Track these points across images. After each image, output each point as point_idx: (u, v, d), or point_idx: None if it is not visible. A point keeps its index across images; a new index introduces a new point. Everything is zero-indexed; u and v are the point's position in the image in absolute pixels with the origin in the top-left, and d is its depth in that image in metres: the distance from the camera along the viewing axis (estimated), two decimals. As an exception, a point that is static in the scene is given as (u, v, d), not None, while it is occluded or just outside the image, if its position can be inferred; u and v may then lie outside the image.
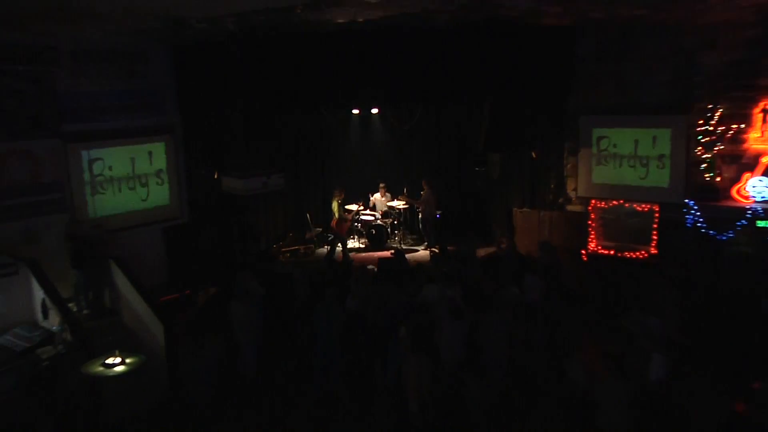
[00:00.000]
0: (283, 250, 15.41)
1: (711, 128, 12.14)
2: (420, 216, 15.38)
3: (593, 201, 13.47)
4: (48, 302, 9.90)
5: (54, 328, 9.70)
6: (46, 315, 10.01)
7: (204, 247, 13.93)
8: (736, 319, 10.27)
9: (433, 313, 9.70)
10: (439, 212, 15.49)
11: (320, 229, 15.97)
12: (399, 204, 15.69)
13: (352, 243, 15.91)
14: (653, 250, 12.73)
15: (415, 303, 9.96)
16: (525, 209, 14.48)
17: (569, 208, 14.18)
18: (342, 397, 9.75)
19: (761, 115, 11.69)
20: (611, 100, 13.31)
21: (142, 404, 9.41)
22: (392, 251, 14.10)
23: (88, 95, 12.04)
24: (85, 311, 10.96)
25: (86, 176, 12.12)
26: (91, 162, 12.18)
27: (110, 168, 12.61)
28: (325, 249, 15.37)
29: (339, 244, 14.98)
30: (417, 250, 15.39)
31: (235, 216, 14.66)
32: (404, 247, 15.35)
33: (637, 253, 12.86)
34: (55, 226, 11.52)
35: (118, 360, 8.57)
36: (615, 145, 13.36)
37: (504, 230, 14.67)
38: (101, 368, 8.47)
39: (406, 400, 9.03)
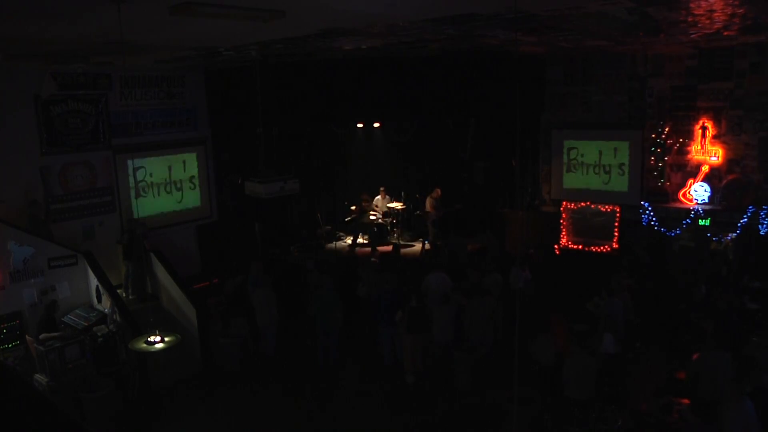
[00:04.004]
0: (298, 244, 15.39)
1: (661, 141, 12.36)
2: (432, 218, 15.25)
3: (564, 203, 13.56)
4: (101, 288, 10.17)
5: (106, 310, 10.00)
6: (99, 299, 10.28)
7: (231, 243, 13.99)
8: (678, 302, 10.50)
9: (429, 297, 9.88)
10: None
11: (329, 227, 15.99)
12: (397, 205, 15.76)
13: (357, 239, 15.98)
14: (615, 245, 12.86)
15: (404, 289, 10.05)
16: (506, 210, 14.53)
17: (544, 209, 14.21)
18: (344, 371, 9.96)
19: (701, 131, 11.92)
20: (578, 116, 13.44)
21: (180, 373, 9.74)
22: (392, 246, 14.25)
23: (134, 113, 12.31)
24: (131, 296, 11.16)
25: (131, 182, 12.34)
26: (135, 170, 12.40)
27: (151, 174, 12.79)
28: (335, 244, 15.52)
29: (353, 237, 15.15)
30: (413, 245, 15.39)
31: (257, 216, 14.78)
32: (402, 242, 15.36)
33: (602, 248, 13.01)
34: (107, 224, 11.80)
35: (158, 338, 8.77)
36: (582, 155, 13.42)
37: (487, 228, 14.76)
38: (144, 345, 8.64)
39: (402, 373, 9.39)
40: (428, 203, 15.02)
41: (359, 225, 15.56)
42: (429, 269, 10.75)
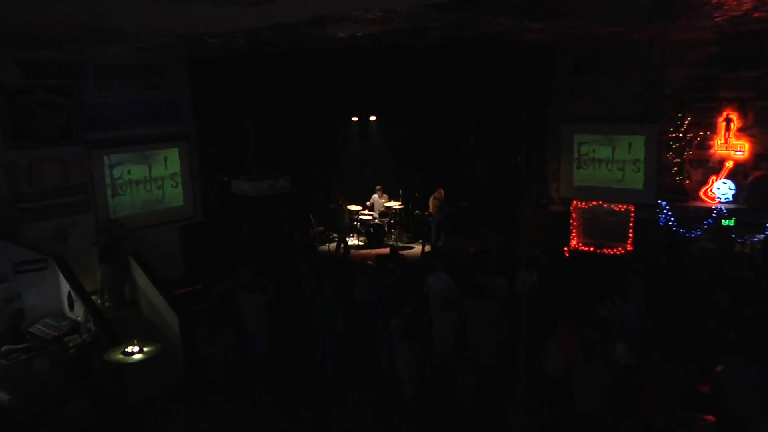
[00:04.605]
0: (290, 246, 15.35)
1: (680, 135, 12.28)
2: (438, 218, 15.24)
3: (574, 201, 13.53)
4: (73, 295, 10.06)
5: (79, 318, 9.89)
6: (72, 307, 10.16)
7: (217, 245, 13.94)
8: (698, 309, 10.42)
9: (430, 301, 9.80)
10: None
11: (322, 228, 16.02)
12: (395, 205, 15.73)
13: (351, 241, 15.97)
14: (629, 247, 12.80)
15: (396, 292, 10.03)
16: (512, 209, 14.30)
17: (552, 208, 14.21)
18: (341, 381, 9.87)
19: (724, 123, 11.83)
20: (589, 109, 13.40)
21: (162, 386, 9.61)
22: (389, 248, 14.19)
23: (110, 106, 12.17)
24: (107, 303, 11.05)
25: (107, 179, 12.20)
26: (112, 166, 12.25)
27: (129, 171, 12.67)
28: (328, 246, 15.46)
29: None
30: (412, 247, 15.44)
31: (244, 216, 14.70)
32: (399, 244, 15.40)
33: (614, 250, 12.94)
34: (81, 225, 11.66)
35: (137, 348, 8.78)
36: (594, 151, 13.41)
37: (490, 228, 14.74)
38: (122, 356, 8.71)
39: (400, 384, 9.23)
40: (431, 204, 15.02)
41: (339, 228, 15.53)
42: (428, 271, 10.71)
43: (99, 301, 10.92)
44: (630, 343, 8.73)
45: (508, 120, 13.89)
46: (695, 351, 9.45)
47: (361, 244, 15.80)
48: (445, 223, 15.00)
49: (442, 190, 14.95)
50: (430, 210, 15.03)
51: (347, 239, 15.74)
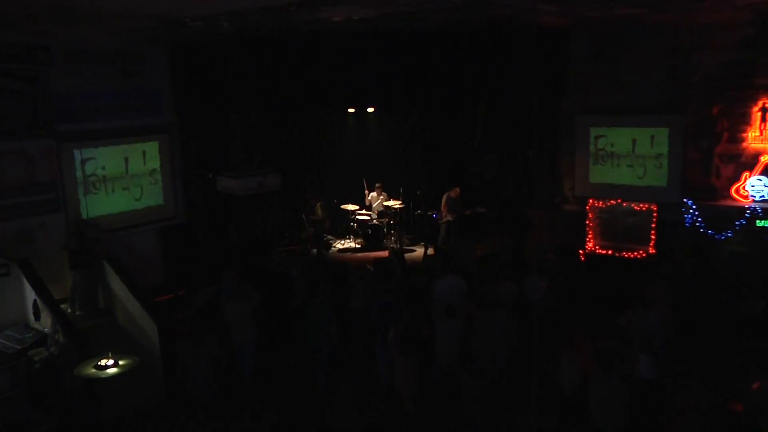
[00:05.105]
0: (279, 250, 15.43)
1: (708, 127, 12.19)
2: (449, 219, 15.21)
3: (590, 200, 13.49)
4: (40, 303, 9.97)
5: (46, 329, 9.79)
6: (38, 316, 10.08)
7: (200, 248, 13.96)
8: (729, 319, 10.37)
9: (434, 309, 9.75)
10: (435, 213, 15.49)
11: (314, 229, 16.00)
12: (395, 204, 15.71)
13: (348, 243, 16.01)
14: (651, 250, 12.75)
15: (397, 300, 9.99)
16: (522, 209, 14.48)
17: (566, 207, 14.18)
18: (337, 393, 9.82)
19: (760, 113, 11.73)
20: (607, 99, 13.35)
21: (140, 403, 9.51)
22: (388, 251, 14.16)
23: (82, 95, 12.07)
24: (79, 312, 10.98)
25: (79, 176, 12.12)
26: (83, 161, 12.18)
27: (103, 167, 12.59)
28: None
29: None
30: (414, 250, 15.41)
31: (231, 216, 14.68)
32: (401, 247, 15.36)
33: (635, 253, 12.87)
34: (50, 226, 11.57)
35: (111, 362, 8.69)
36: (612, 145, 13.37)
37: (498, 230, 14.73)
38: (94, 370, 8.61)
39: (400, 400, 9.15)
40: (443, 202, 15.04)
41: (315, 232, 15.56)
42: (433, 276, 10.68)
43: (69, 310, 10.85)
44: (653, 356, 8.63)
45: (518, 112, 14.04)
46: (726, 365, 9.43)
47: (358, 246, 15.78)
48: (455, 224, 15.02)
49: (458, 189, 14.99)
50: (442, 208, 15.05)
51: (335, 242, 15.89)
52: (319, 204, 15.45)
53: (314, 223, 15.51)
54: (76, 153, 12.01)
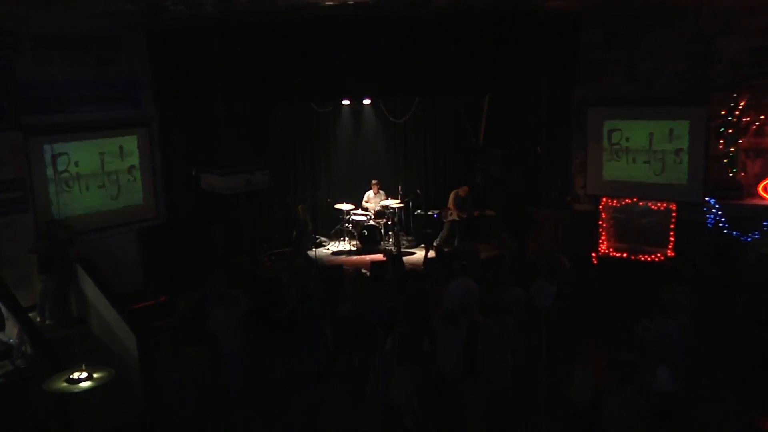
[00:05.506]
0: (269, 252, 15.44)
1: (734, 120, 12.06)
2: (454, 218, 15.37)
3: (604, 199, 13.46)
4: (5, 311, 9.88)
5: (12, 340, 9.70)
6: (2, 326, 9.99)
7: (183, 251, 13.88)
8: (755, 327, 10.34)
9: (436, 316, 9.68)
10: (436, 212, 15.56)
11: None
12: (393, 203, 15.75)
13: (342, 245, 16.04)
14: (670, 253, 12.72)
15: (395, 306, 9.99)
16: (531, 208, 14.45)
17: (577, 207, 14.16)
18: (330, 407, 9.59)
19: (791, 105, 11.72)
20: (622, 90, 13.31)
21: (115, 419, 9.42)
22: (386, 254, 14.07)
23: (52, 84, 11.99)
24: (49, 321, 10.96)
25: (49, 173, 12.09)
26: (54, 157, 12.13)
27: (76, 164, 12.56)
28: (315, 252, 15.47)
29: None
30: (413, 253, 15.42)
31: (216, 217, 14.68)
32: (399, 249, 15.41)
33: (653, 256, 12.86)
34: (17, 227, 11.55)
35: (84, 375, 8.51)
36: (628, 139, 13.31)
37: (504, 231, 14.77)
38: (66, 384, 8.39)
39: (399, 414, 9.04)
40: (450, 200, 15.20)
41: (301, 238, 15.61)
42: (433, 280, 10.70)
43: (38, 319, 10.83)
44: (673, 367, 8.59)
45: (526, 103, 13.98)
46: (753, 378, 9.39)
47: (353, 248, 15.80)
48: (461, 225, 15.10)
49: (467, 188, 15.15)
50: (450, 207, 15.13)
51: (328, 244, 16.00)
52: (300, 206, 15.55)
53: (297, 225, 15.56)
54: (46, 148, 11.96)
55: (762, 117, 11.93)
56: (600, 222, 13.42)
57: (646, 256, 12.92)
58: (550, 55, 13.20)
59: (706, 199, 12.27)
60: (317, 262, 14.87)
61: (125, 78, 13.19)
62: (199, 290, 11.41)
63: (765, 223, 11.66)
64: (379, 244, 15.62)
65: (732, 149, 12.15)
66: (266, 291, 12.10)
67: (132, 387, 9.87)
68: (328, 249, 15.99)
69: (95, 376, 8.55)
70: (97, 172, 12.89)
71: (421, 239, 15.76)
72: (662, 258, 12.75)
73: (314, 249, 15.61)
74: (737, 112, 12.01)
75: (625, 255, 13.14)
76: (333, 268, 13.90)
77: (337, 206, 15.92)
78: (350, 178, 16.63)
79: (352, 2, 10.73)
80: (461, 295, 9.87)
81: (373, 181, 16.15)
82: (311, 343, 9.75)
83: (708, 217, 12.19)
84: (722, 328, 10.30)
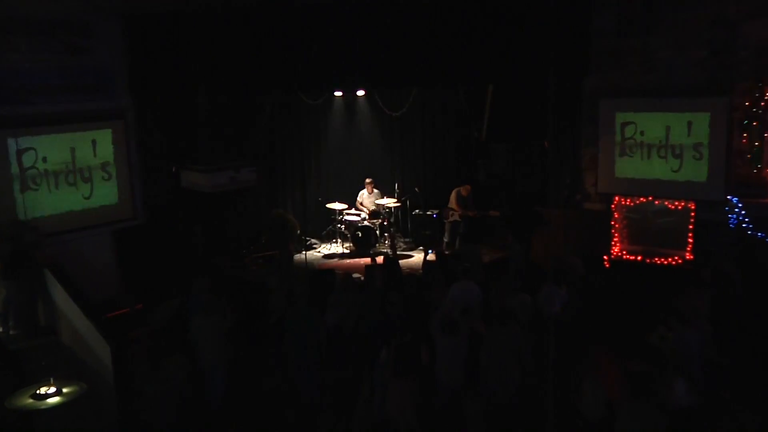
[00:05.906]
0: (256, 255, 15.49)
1: (759, 112, 12.06)
2: (455, 219, 15.49)
3: (617, 198, 13.46)
4: None
5: None
6: None
7: (162, 254, 13.95)
8: None
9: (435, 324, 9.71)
10: (435, 212, 15.63)
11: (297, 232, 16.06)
12: (389, 202, 15.85)
13: (335, 247, 16.16)
14: (688, 256, 12.70)
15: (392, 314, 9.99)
16: (537, 208, 14.46)
17: (587, 206, 14.17)
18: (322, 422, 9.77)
19: (821, 96, 11.68)
20: (637, 80, 13.27)
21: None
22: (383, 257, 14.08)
23: (16, 73, 11.99)
24: (12, 331, 10.93)
25: (14, 169, 12.06)
26: (20, 152, 12.11)
27: (44, 159, 12.52)
28: (305, 254, 15.47)
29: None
30: (411, 256, 15.55)
31: (198, 217, 14.73)
32: (395, 252, 15.48)
33: (669, 259, 12.85)
34: None
35: (53, 390, 8.46)
36: (642, 133, 13.29)
37: (509, 232, 14.63)
38: (31, 400, 8.36)
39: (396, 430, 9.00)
40: (452, 199, 15.32)
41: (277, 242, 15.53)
42: (433, 285, 10.71)
43: (1, 329, 10.80)
44: (690, 380, 8.60)
45: (533, 94, 13.88)
46: None
47: (346, 251, 15.90)
48: (462, 225, 15.21)
49: (469, 186, 15.29)
50: (454, 207, 15.19)
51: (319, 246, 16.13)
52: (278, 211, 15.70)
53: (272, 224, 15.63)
54: (11, 142, 11.92)
55: (789, 109, 11.92)
56: (612, 222, 13.42)
57: (663, 259, 12.90)
58: (558, 41, 13.07)
59: (728, 197, 12.25)
60: (305, 264, 14.95)
61: (98, 66, 13.15)
62: (179, 296, 11.41)
63: (793, 224, 11.66)
64: (374, 246, 15.71)
65: (756, 143, 12.14)
66: (251, 297, 12.13)
67: (105, 403, 9.84)
68: (319, 252, 16.09)
69: (65, 390, 8.58)
70: (67, 168, 12.84)
71: (420, 241, 15.90)
72: (680, 261, 12.74)
73: (304, 252, 15.65)
74: (763, 103, 11.98)
75: (639, 258, 13.13)
76: (324, 273, 13.86)
77: (329, 206, 16.00)
78: (343, 175, 16.74)
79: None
80: (463, 299, 9.86)
81: (368, 179, 16.24)
82: (301, 353, 9.71)
83: (730, 217, 12.17)
84: (744, 337, 10.20)
